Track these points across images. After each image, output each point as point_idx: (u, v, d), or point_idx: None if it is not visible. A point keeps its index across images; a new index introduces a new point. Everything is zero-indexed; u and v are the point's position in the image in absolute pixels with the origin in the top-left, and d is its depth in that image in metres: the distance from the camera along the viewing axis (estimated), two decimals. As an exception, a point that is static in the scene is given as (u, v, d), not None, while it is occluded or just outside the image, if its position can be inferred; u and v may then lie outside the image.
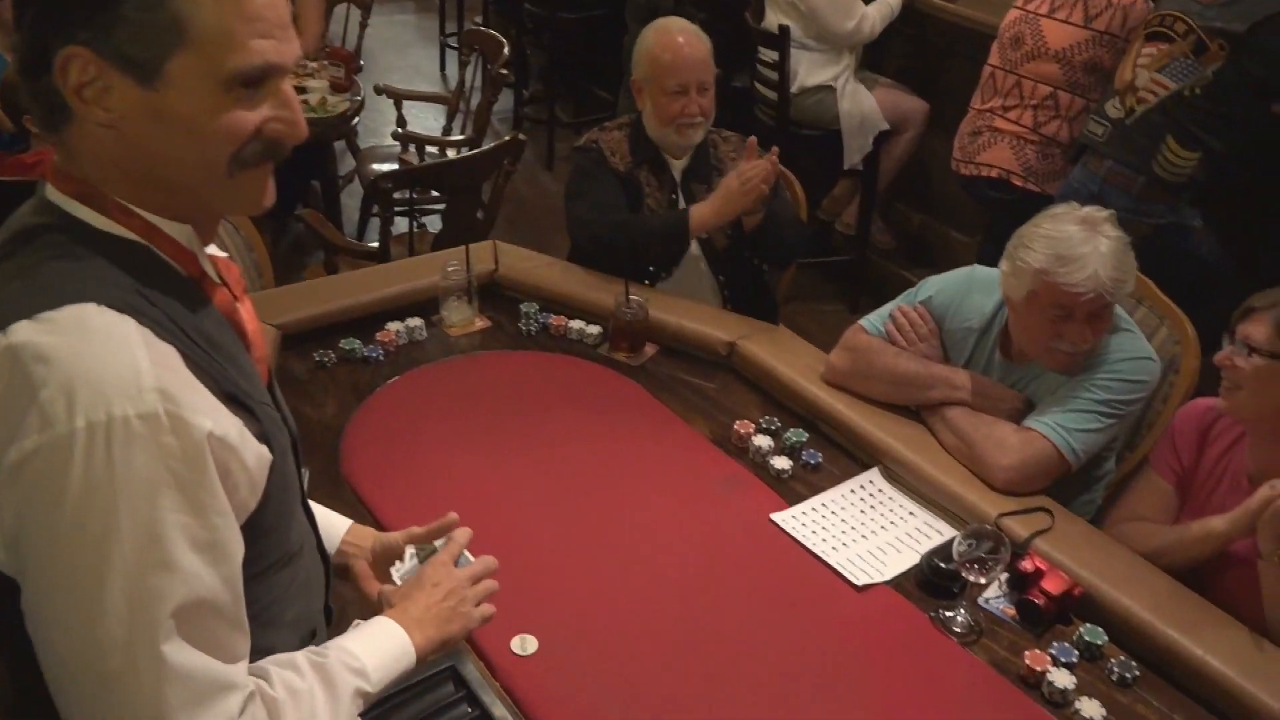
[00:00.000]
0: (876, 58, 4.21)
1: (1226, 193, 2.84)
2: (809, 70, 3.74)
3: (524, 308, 2.37)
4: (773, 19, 3.80)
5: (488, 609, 1.30)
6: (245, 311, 1.10)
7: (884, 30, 3.80)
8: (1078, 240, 1.83)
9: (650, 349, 2.32)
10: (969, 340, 2.07)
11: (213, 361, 0.98)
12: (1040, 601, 1.67)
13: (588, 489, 1.92)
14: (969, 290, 2.06)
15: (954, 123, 3.42)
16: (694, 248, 2.55)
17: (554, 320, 2.37)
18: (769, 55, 3.76)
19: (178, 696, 0.90)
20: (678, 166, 2.56)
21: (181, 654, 0.91)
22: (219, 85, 0.93)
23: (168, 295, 0.97)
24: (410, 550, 1.39)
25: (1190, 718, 1.55)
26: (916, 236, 4.21)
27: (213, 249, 1.10)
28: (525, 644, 1.58)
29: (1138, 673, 1.60)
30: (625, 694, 1.51)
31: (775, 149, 2.43)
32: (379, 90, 4.15)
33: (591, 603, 1.67)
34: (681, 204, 2.53)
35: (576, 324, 2.36)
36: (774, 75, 3.75)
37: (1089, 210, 1.90)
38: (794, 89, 3.75)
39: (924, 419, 2.04)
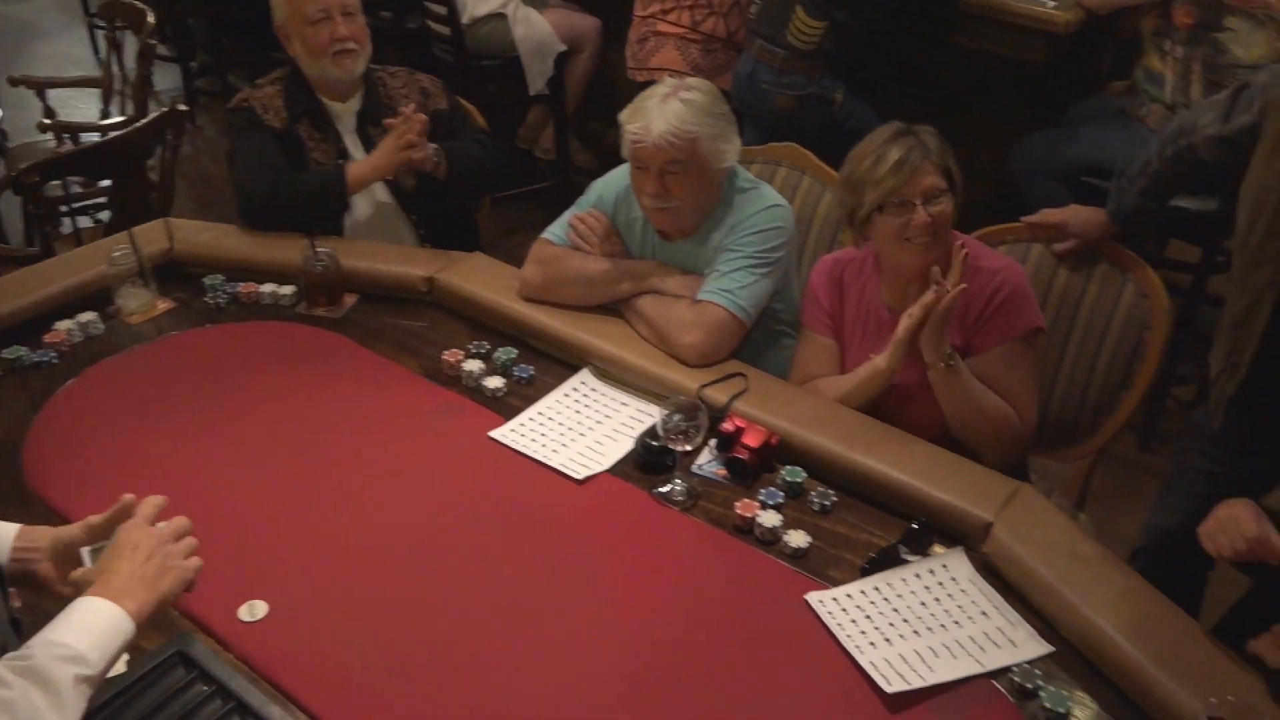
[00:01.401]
0: (542, -20, 4.23)
1: (869, 65, 3.08)
2: (477, 1, 3.71)
3: (208, 281, 2.27)
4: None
5: (198, 560, 1.26)
6: None
7: (544, -48, 3.83)
8: (651, 97, 1.98)
9: (350, 299, 2.28)
10: (636, 229, 2.17)
11: None
12: (744, 456, 1.80)
13: (302, 447, 1.88)
14: (626, 181, 2.15)
15: (626, 34, 3.50)
16: (383, 192, 2.50)
17: (243, 288, 2.28)
18: (433, -10, 3.70)
19: None
20: (349, 110, 2.49)
21: None
22: None
23: None
24: (86, 553, 1.32)
25: (883, 527, 1.73)
26: (615, 150, 4.28)
27: None
28: (254, 609, 1.54)
29: (835, 499, 1.76)
30: (366, 638, 1.52)
31: (412, 106, 2.40)
32: (14, 82, 3.77)
33: (319, 556, 1.66)
34: (359, 150, 2.47)
35: (268, 288, 2.28)
36: (443, 9, 3.70)
37: (686, 79, 2.05)
38: (465, 21, 3.72)
39: (622, 314, 2.13)
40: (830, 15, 2.87)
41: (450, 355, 2.07)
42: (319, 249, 2.21)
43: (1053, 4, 2.90)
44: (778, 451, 1.84)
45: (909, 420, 1.92)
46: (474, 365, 2.05)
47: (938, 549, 1.67)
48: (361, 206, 2.49)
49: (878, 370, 1.89)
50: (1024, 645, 1.51)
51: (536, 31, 3.78)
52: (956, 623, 1.55)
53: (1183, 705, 1.34)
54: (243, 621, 1.52)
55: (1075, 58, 3.32)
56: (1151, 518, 2.17)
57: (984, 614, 1.57)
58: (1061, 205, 2.21)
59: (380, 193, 2.50)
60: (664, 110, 1.96)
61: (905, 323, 1.81)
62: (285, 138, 2.43)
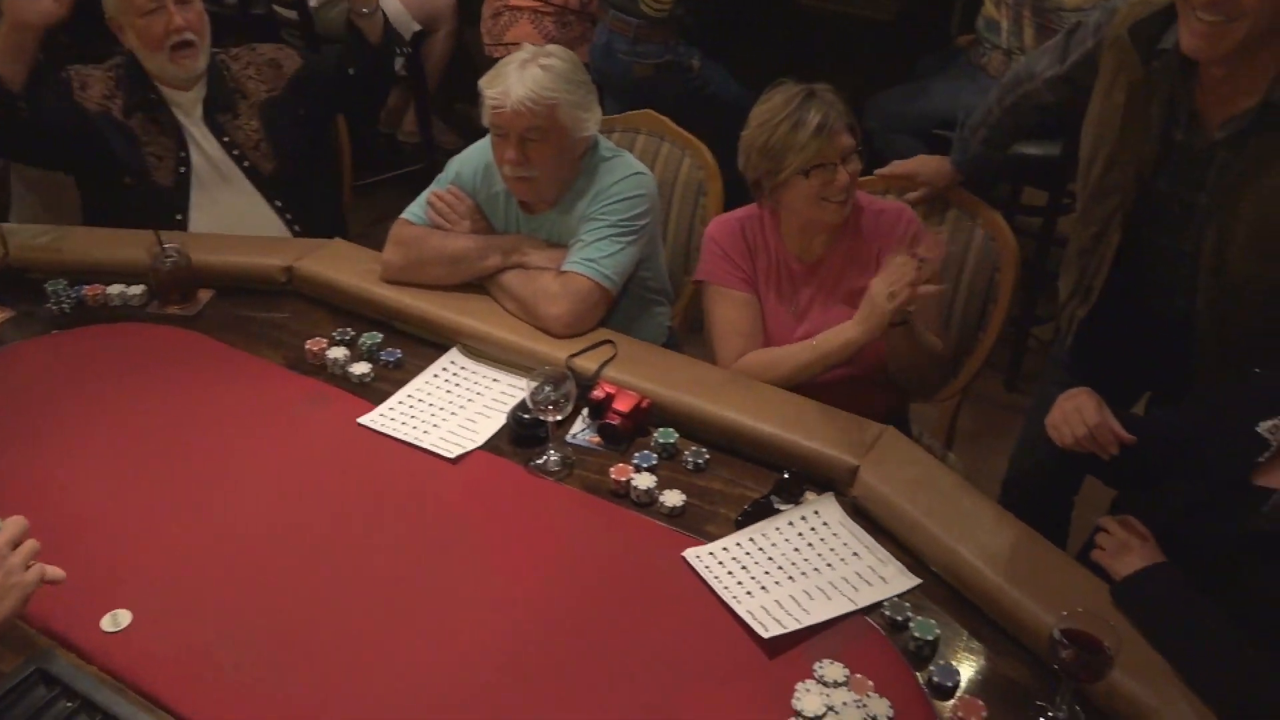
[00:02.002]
0: (393, -40, 4.14)
1: (723, 30, 3.11)
2: (321, -19, 3.62)
3: (49, 286, 2.16)
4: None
5: (43, 569, 1.21)
6: None
7: (390, -70, 3.74)
8: (511, 63, 1.97)
9: (204, 295, 2.20)
10: (498, 203, 2.15)
11: None
12: (616, 421, 1.81)
13: (162, 449, 1.81)
14: (486, 156, 2.12)
15: (481, 10, 3.46)
16: (244, 183, 2.42)
17: (89, 291, 2.17)
18: (277, -28, 3.58)
19: None
20: (193, 100, 2.39)
21: None
22: None
23: None
24: None
25: (756, 480, 1.76)
26: (480, 130, 4.25)
27: None
28: (117, 619, 1.49)
29: (708, 456, 1.79)
30: (239, 636, 1.47)
31: None
32: None
33: (185, 559, 1.60)
34: (209, 140, 2.38)
35: (116, 289, 2.18)
36: (287, -7, 3.59)
37: (546, 47, 2.04)
38: (313, 3, 3.61)
39: (488, 291, 2.11)
40: None
41: (313, 344, 2.02)
42: (166, 245, 2.13)
43: (895, -39, 2.97)
44: (649, 415, 1.85)
45: (846, 366, 1.93)
46: (339, 353, 2.00)
47: (809, 496, 1.71)
48: (224, 198, 2.40)
49: (851, 341, 1.86)
50: (894, 580, 1.56)
51: (389, 12, 3.69)
52: (829, 565, 1.59)
53: (1040, 622, 1.41)
54: (106, 632, 1.47)
55: (925, 14, 3.42)
56: (1016, 452, 2.27)
57: (855, 554, 1.61)
58: (915, 157, 2.29)
59: (241, 183, 2.41)
60: (523, 76, 1.94)
61: (887, 302, 1.76)
62: (100, 123, 2.32)
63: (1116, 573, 1.47)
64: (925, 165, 2.18)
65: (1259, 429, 1.45)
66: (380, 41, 2.48)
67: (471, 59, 4.08)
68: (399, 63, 3.74)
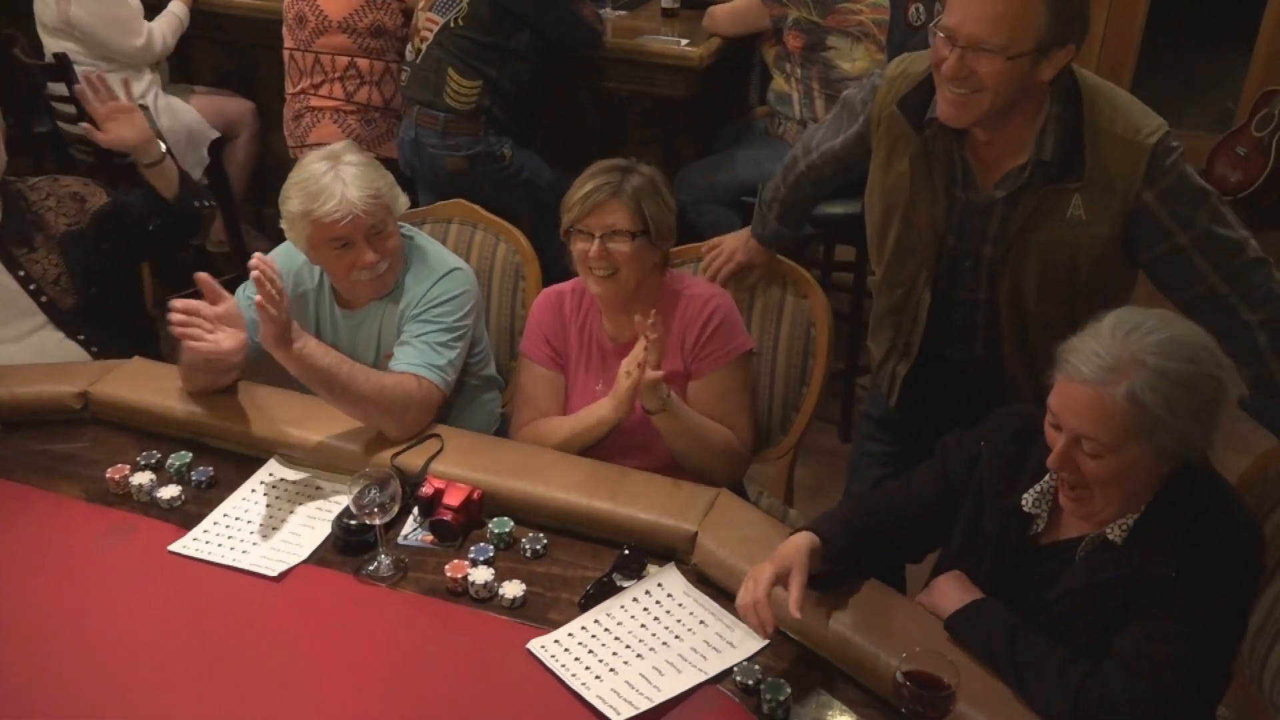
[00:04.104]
0: (186, 68, 4.04)
1: (530, 116, 3.15)
2: (110, 96, 3.47)
3: None
4: (50, 47, 3.47)
5: None
6: None
7: (181, 39, 3.64)
8: (321, 174, 1.92)
9: (-11, 431, 2.03)
10: (309, 303, 2.09)
11: None
12: (448, 516, 1.75)
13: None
14: (291, 255, 2.06)
15: (282, 112, 3.39)
16: (36, 320, 2.25)
17: None
18: (58, 89, 3.42)
19: None
20: None
21: None
22: None
23: None
24: None
25: (596, 559, 1.73)
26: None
27: None
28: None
29: (545, 540, 1.75)
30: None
31: None
32: None
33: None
34: (4, 274, 2.22)
35: (-116, 435, 1.99)
36: (72, 109, 3.42)
37: (331, 148, 2.00)
38: (99, 117, 3.46)
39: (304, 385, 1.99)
40: (482, 73, 2.91)
41: (114, 472, 1.88)
42: (-59, 382, 1.96)
43: (685, 42, 3.08)
44: (482, 506, 1.80)
45: (637, 456, 1.95)
46: (144, 478, 1.87)
47: (651, 569, 1.69)
48: (18, 334, 2.23)
49: (604, 419, 1.91)
50: (742, 645, 1.55)
51: (183, 120, 3.58)
52: (677, 637, 1.57)
53: (883, 665, 1.42)
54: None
55: (722, 88, 3.56)
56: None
57: (702, 623, 1.60)
58: (729, 228, 2.36)
59: (38, 318, 2.25)
60: (343, 179, 1.90)
61: (625, 381, 1.83)
62: None
63: (944, 610, 1.51)
64: (736, 239, 2.24)
65: (1024, 505, 1.51)
66: (177, 193, 2.36)
67: (277, 162, 3.99)
68: (197, 172, 3.65)
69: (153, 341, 2.53)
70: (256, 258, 1.79)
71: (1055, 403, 1.38)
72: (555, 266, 2.20)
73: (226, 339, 1.87)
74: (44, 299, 2.26)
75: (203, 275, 1.88)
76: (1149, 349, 1.32)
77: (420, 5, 3.00)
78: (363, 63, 3.16)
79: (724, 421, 1.95)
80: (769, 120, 3.16)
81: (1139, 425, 1.31)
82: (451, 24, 2.89)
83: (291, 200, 1.93)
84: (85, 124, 2.34)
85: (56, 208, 2.31)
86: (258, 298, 1.75)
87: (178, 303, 1.85)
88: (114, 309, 2.39)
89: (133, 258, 2.53)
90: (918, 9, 3.15)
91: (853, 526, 1.58)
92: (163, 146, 2.35)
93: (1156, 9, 4.50)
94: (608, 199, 1.89)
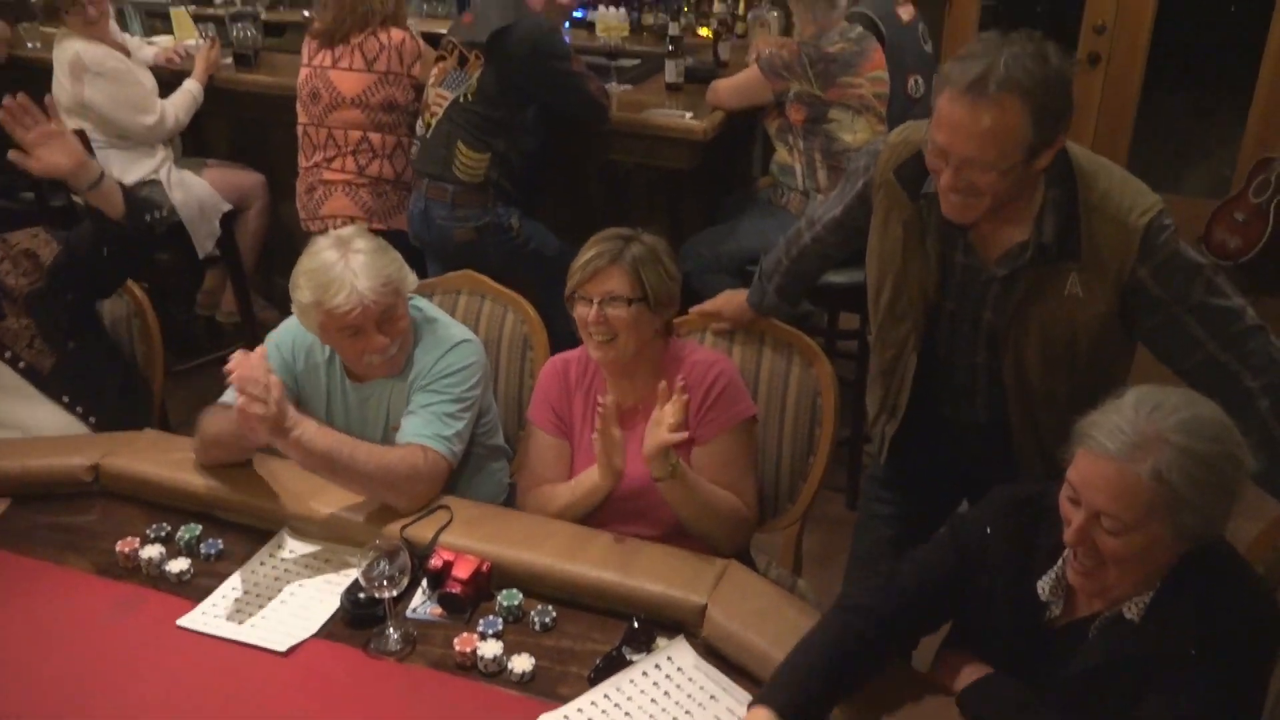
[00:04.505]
0: (200, 142, 4.12)
1: (537, 188, 3.20)
2: (125, 168, 3.54)
3: None
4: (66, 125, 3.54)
5: None
6: None
7: (195, 115, 3.73)
8: (331, 264, 1.93)
9: None
10: (319, 375, 2.10)
11: None
12: (457, 589, 1.75)
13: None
14: (305, 335, 2.09)
15: (294, 185, 3.45)
16: (23, 383, 2.26)
17: None
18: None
19: None
20: None
21: None
22: None
23: None
24: None
25: (605, 632, 1.72)
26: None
27: None
28: None
29: (555, 613, 1.74)
30: None
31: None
32: None
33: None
34: None
35: (-105, 510, 2.00)
36: (86, 184, 3.49)
37: (342, 231, 2.03)
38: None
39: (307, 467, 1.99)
40: (490, 146, 2.97)
41: (124, 545, 1.89)
42: (-47, 456, 1.97)
43: (689, 116, 3.15)
44: (491, 578, 1.80)
45: (637, 523, 1.96)
46: (153, 551, 1.88)
47: (660, 642, 1.68)
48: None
49: (597, 487, 1.93)
50: None
51: (196, 193, 3.65)
52: (688, 712, 1.56)
53: (895, 741, 1.41)
54: None
55: (725, 159, 3.62)
56: (847, 573, 2.31)
57: (713, 697, 1.59)
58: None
59: (21, 387, 2.26)
60: (354, 269, 1.92)
61: (599, 444, 1.87)
62: None
63: (954, 684, 1.49)
64: (729, 303, 2.27)
65: (1040, 594, 1.50)
66: (123, 214, 2.26)
67: (287, 234, 4.05)
68: (209, 244, 3.71)
69: (148, 404, 2.53)
70: (233, 361, 1.74)
71: (1076, 477, 1.37)
72: (563, 335, 2.22)
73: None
74: (21, 364, 2.26)
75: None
76: (1173, 427, 1.31)
77: (431, 81, 3.08)
78: (375, 137, 3.22)
79: (729, 488, 1.96)
80: (772, 190, 3.21)
81: (1163, 503, 1.30)
82: (461, 99, 2.96)
83: (302, 290, 1.95)
84: (14, 151, 2.17)
85: (14, 269, 2.28)
86: (240, 403, 1.74)
87: (238, 354, 1.77)
88: (98, 366, 2.37)
89: (99, 293, 2.45)
90: (916, 81, 3.23)
91: (808, 690, 1.46)
92: (98, 166, 2.23)
93: (1151, 78, 4.58)
94: (607, 265, 1.93)
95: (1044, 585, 1.49)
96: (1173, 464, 1.29)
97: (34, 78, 4.04)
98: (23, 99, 2.15)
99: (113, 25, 3.74)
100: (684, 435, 1.80)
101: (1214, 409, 1.36)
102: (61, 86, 3.55)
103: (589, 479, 1.95)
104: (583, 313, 1.95)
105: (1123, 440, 1.31)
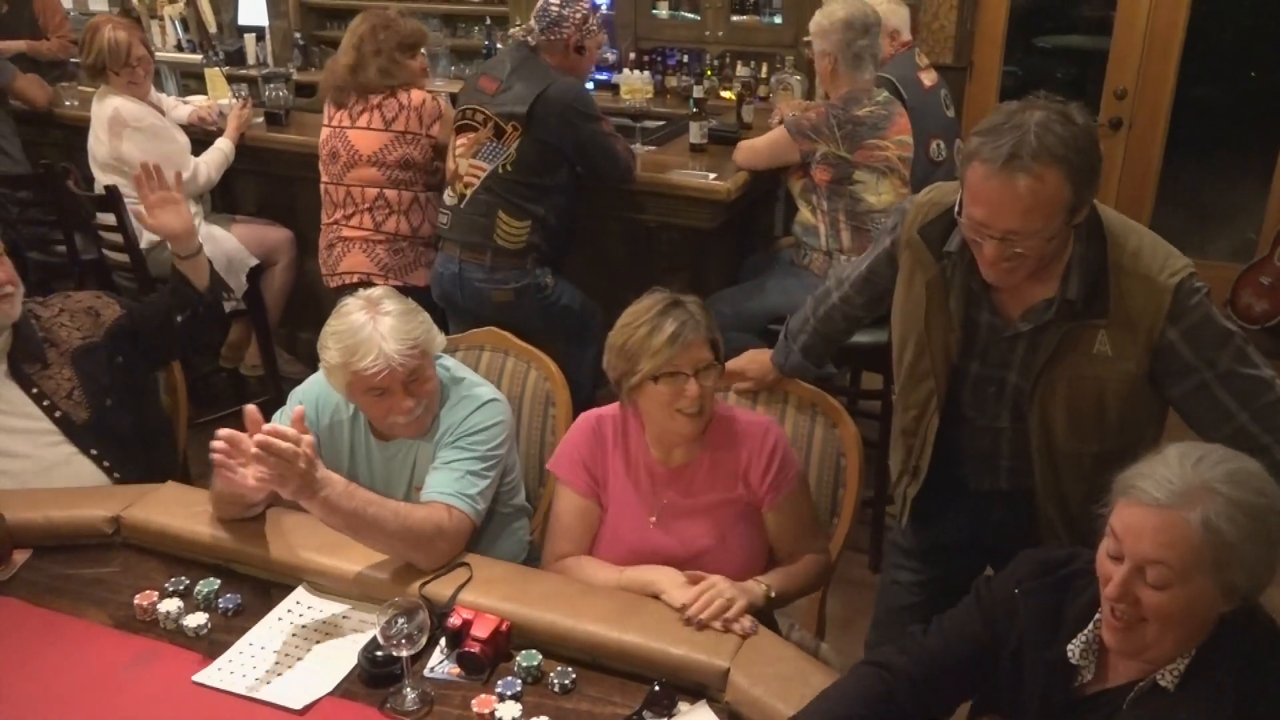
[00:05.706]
0: (230, 198, 4.19)
1: (563, 249, 3.22)
2: (155, 224, 3.59)
3: None
4: (101, 180, 3.62)
5: None
6: None
7: (226, 172, 3.79)
8: (359, 326, 1.94)
9: (20, 555, 2.03)
10: (343, 432, 2.10)
11: None
12: (475, 649, 1.72)
13: (-37, 737, 1.62)
14: (325, 387, 2.09)
15: (319, 242, 3.49)
16: (52, 430, 2.27)
17: (-116, 564, 1.98)
18: (106, 218, 3.55)
19: None
20: None
21: None
22: None
23: None
24: None
25: (626, 695, 1.69)
26: (326, 358, 4.22)
27: None
28: None
29: (574, 675, 1.71)
30: None
31: None
32: None
33: None
34: (16, 392, 2.25)
35: (-83, 559, 2.00)
36: (119, 238, 3.55)
37: (372, 292, 2.03)
38: (144, 245, 3.58)
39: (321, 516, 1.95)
40: (530, 213, 3.01)
41: (142, 598, 1.87)
42: (-25, 506, 1.97)
43: (713, 176, 3.18)
44: (510, 637, 1.77)
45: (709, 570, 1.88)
46: (171, 605, 1.86)
47: (683, 706, 1.65)
48: (31, 451, 2.25)
49: (661, 592, 1.83)
50: (777, 788, 1.50)
51: (224, 247, 3.69)
52: (710, 780, 1.52)
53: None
54: None
55: (747, 219, 3.64)
56: (869, 638, 2.28)
57: (735, 764, 1.55)
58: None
59: (52, 435, 2.27)
60: (382, 332, 1.92)
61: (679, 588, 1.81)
62: None
63: None
64: (754, 362, 2.26)
65: (1071, 657, 1.46)
66: (208, 285, 2.47)
67: (312, 289, 4.08)
68: (229, 305, 3.74)
69: (170, 458, 2.54)
70: (265, 433, 1.72)
71: (1120, 527, 1.34)
72: (583, 390, 2.22)
73: (253, 475, 1.80)
74: (57, 414, 2.28)
75: (251, 409, 1.82)
76: (1220, 478, 1.29)
77: (458, 152, 3.10)
78: (391, 194, 3.26)
79: (804, 539, 2.01)
80: (794, 251, 3.22)
81: (1212, 554, 1.27)
82: (500, 170, 3.00)
83: (330, 351, 1.95)
84: (135, 209, 2.48)
85: (70, 323, 2.36)
86: (262, 472, 1.73)
87: (223, 432, 1.82)
88: (129, 425, 2.39)
89: (159, 360, 2.55)
90: (939, 145, 3.25)
91: None
92: (199, 239, 2.51)
93: (1173, 142, 4.60)
94: (693, 335, 1.86)
95: (1074, 648, 1.46)
96: (1222, 513, 1.27)
97: (69, 136, 4.14)
98: (155, 165, 2.51)
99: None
100: (753, 629, 1.74)
101: (1257, 464, 1.34)
102: (99, 141, 3.62)
103: (655, 583, 1.84)
104: (674, 389, 1.86)
105: (1171, 489, 1.29)
